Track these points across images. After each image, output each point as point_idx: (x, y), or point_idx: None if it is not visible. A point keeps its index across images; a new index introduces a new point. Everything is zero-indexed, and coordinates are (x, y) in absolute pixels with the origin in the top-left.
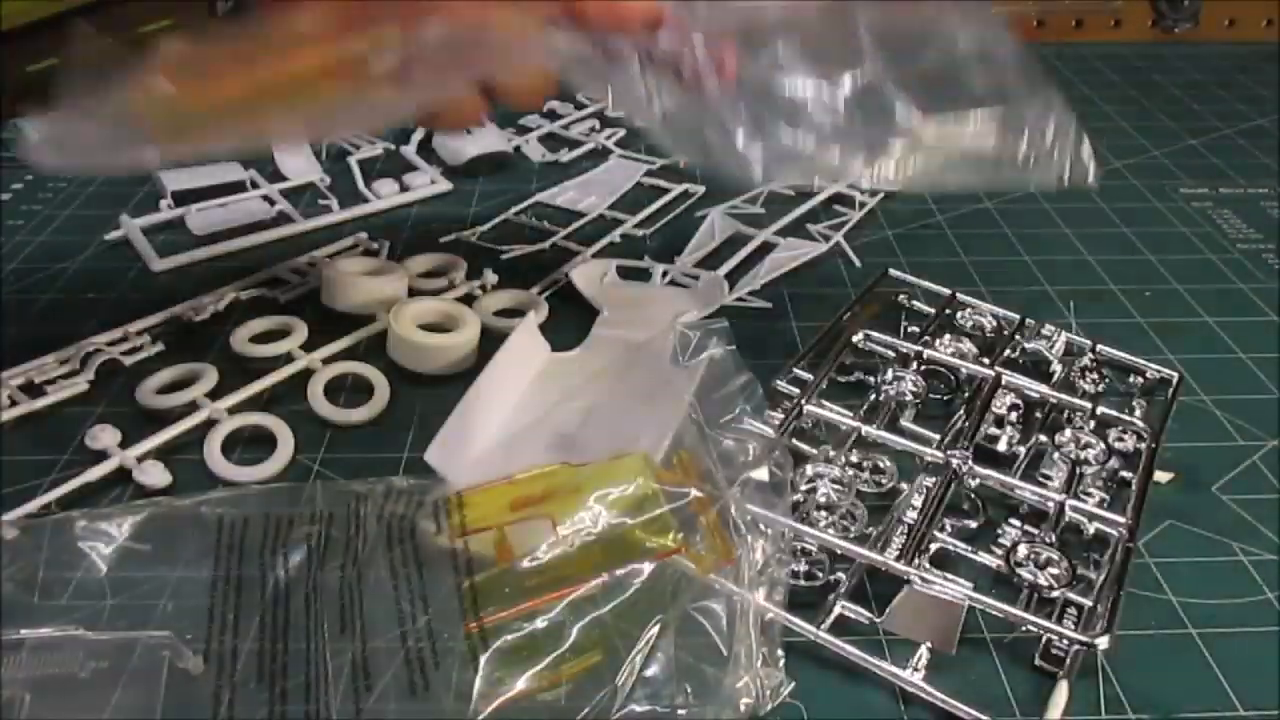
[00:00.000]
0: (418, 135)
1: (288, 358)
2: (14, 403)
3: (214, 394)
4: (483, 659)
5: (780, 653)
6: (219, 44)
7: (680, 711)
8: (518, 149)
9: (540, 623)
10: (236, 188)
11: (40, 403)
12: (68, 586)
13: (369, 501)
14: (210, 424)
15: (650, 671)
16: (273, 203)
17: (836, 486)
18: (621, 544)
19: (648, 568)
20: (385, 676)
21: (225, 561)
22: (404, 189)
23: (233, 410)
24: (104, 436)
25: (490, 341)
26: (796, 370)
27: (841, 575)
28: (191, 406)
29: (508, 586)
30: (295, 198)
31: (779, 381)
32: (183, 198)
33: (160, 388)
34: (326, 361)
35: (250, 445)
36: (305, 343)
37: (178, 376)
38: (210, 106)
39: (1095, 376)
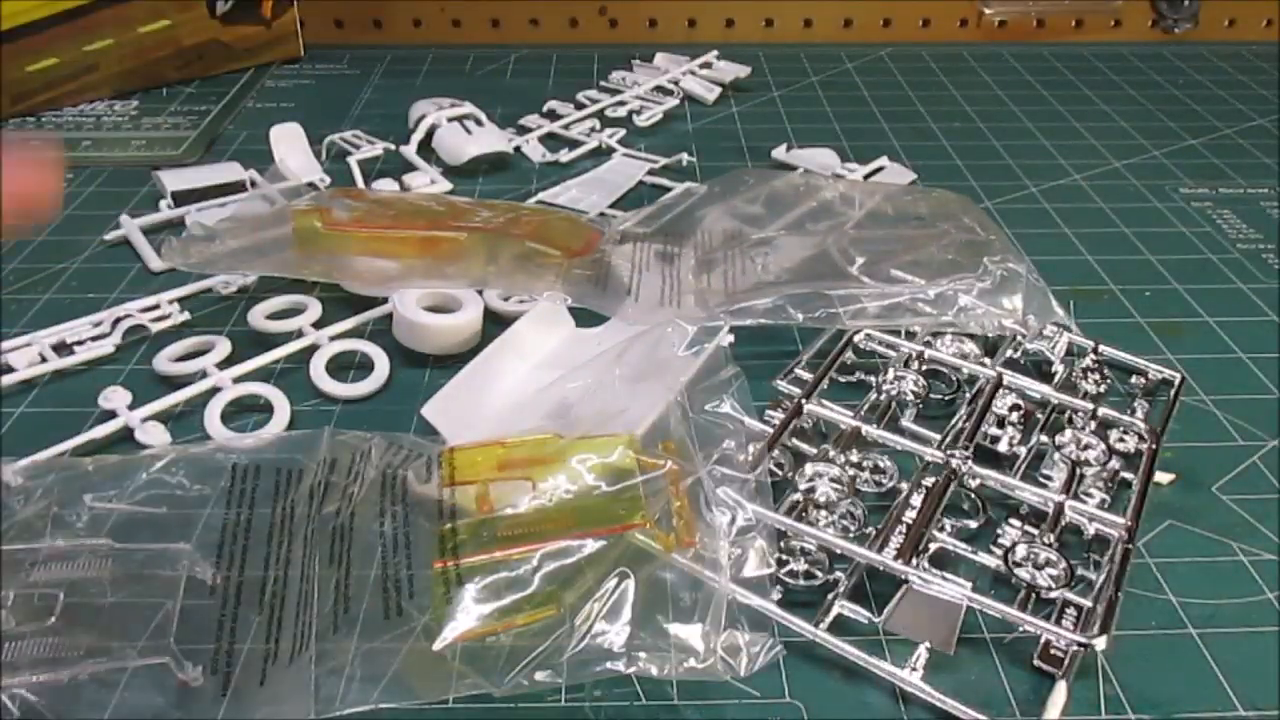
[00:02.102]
0: (418, 135)
1: (298, 333)
2: (44, 359)
3: (224, 364)
4: (454, 593)
5: (744, 622)
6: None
7: (640, 655)
8: (518, 149)
9: (509, 569)
10: (236, 188)
11: (67, 361)
12: (80, 519)
13: (372, 452)
14: (214, 391)
15: (610, 619)
16: (272, 203)
17: (836, 486)
18: (593, 510)
19: (614, 537)
20: (363, 600)
21: (236, 505)
22: (404, 189)
23: (237, 380)
24: (115, 397)
25: (494, 324)
26: (798, 370)
27: (840, 575)
28: (200, 375)
29: (484, 533)
30: (295, 197)
31: (779, 381)
32: (183, 198)
33: (176, 356)
34: (333, 339)
35: (250, 414)
36: (318, 320)
37: (193, 346)
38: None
39: (1097, 377)
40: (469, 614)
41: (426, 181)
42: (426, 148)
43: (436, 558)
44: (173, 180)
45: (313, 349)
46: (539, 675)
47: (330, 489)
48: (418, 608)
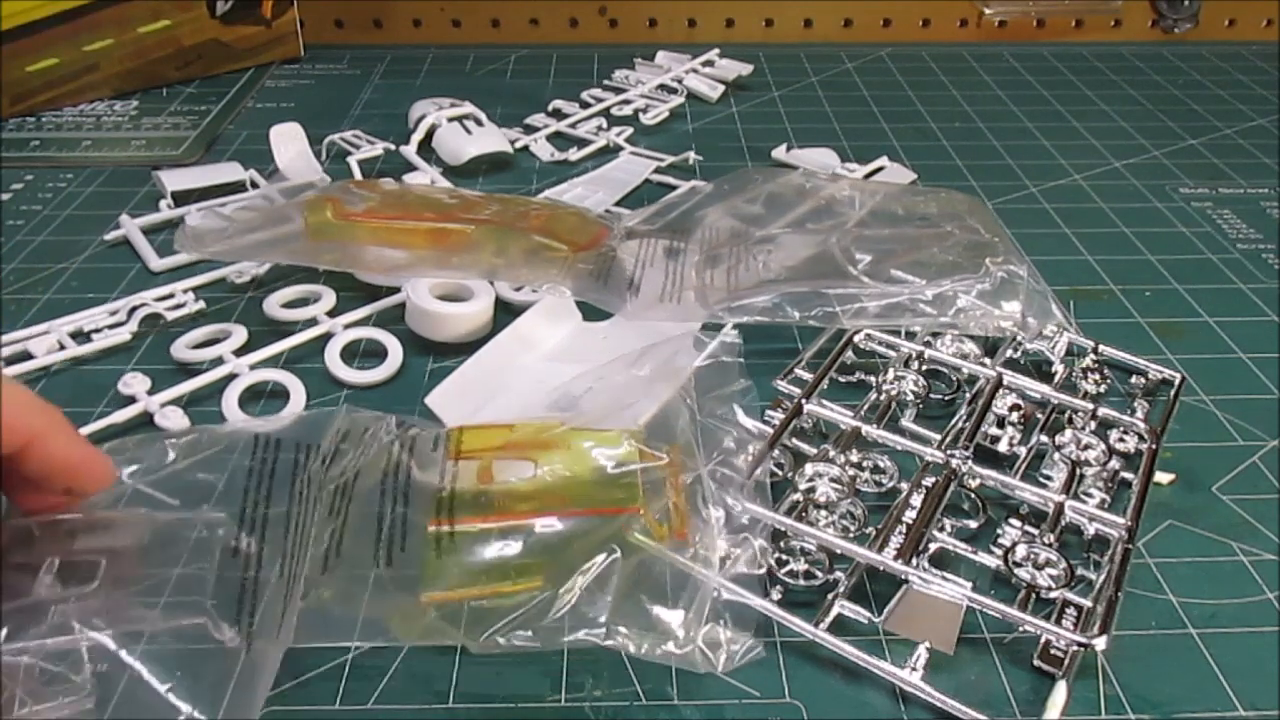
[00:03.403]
0: (418, 135)
1: (313, 321)
2: (61, 347)
3: (240, 351)
4: (444, 554)
5: (727, 618)
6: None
7: (619, 629)
8: (525, 148)
9: (501, 538)
10: (236, 188)
11: (84, 349)
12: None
13: (383, 429)
14: (231, 377)
15: (594, 593)
16: (273, 203)
17: (836, 486)
18: (590, 491)
19: (607, 518)
20: (358, 547)
21: (258, 474)
22: None
23: (254, 366)
24: (134, 383)
25: (506, 314)
26: (798, 370)
27: (841, 575)
28: (218, 361)
29: (481, 501)
30: (295, 197)
31: (779, 381)
32: (182, 198)
33: (193, 343)
34: (347, 327)
35: (266, 399)
36: (332, 309)
37: (210, 334)
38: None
39: (1097, 377)
40: (457, 575)
41: (427, 181)
42: (426, 148)
43: (432, 518)
44: (173, 180)
45: (327, 336)
46: (516, 638)
47: (340, 454)
48: (408, 563)
